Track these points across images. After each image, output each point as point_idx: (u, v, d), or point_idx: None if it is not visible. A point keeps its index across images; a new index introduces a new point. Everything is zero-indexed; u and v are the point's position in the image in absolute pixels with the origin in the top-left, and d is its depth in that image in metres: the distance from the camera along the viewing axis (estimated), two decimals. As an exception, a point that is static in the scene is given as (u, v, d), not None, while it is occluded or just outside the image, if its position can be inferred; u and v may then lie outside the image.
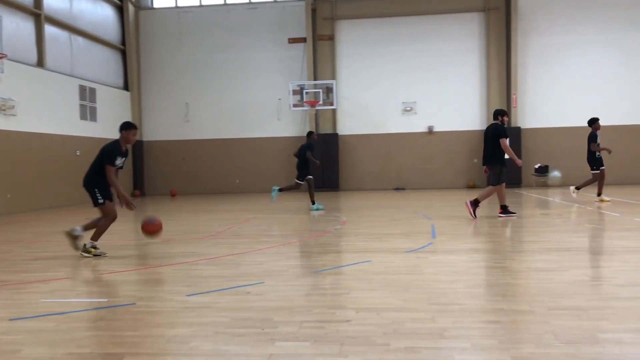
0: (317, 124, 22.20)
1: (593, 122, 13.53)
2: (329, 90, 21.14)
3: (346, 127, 22.24)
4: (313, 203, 13.57)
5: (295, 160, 13.69)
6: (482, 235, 8.79)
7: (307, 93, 21.04)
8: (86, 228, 7.43)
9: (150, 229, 7.30)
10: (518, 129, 20.99)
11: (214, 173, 22.87)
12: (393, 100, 22.07)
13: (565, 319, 4.02)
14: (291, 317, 4.23)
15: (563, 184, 20.08)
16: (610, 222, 9.89)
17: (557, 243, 7.67)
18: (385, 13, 22.01)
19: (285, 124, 22.50)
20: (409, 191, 20.76)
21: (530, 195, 17.07)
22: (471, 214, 10.67)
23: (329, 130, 22.17)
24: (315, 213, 12.85)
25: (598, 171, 13.47)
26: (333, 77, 21.93)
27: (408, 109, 21.97)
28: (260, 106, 22.55)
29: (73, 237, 7.31)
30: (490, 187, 10.78)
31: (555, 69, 21.15)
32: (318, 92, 21.06)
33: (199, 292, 5.13)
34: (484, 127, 21.51)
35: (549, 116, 21.13)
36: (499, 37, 21.36)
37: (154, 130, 23.15)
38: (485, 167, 10.76)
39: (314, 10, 22.04)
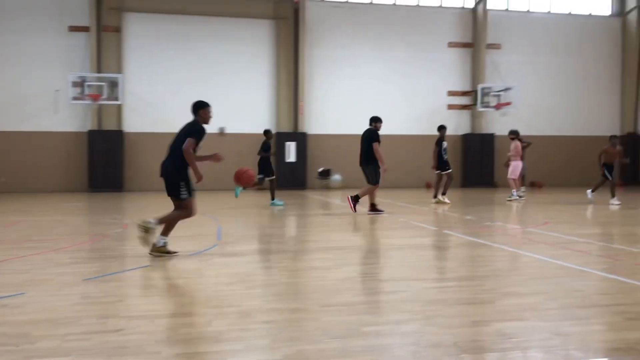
0: (99, 120, 20.83)
1: (440, 129, 14.90)
2: (114, 84, 19.96)
3: (133, 124, 21.23)
4: (273, 199, 14.31)
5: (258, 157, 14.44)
6: (266, 237, 9.00)
7: (89, 86, 19.63)
8: (161, 222, 6.72)
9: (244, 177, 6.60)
10: (304, 135, 22.01)
11: (-24, 170, 20.15)
12: (184, 99, 21.57)
13: (335, 315, 4.26)
14: (53, 331, 3.85)
15: (344, 187, 21.53)
16: (380, 221, 10.82)
17: (334, 242, 8.16)
18: (178, 10, 21.49)
19: (64, 117, 20.72)
20: (199, 192, 20.50)
21: (313, 197, 18.00)
22: (352, 208, 11.62)
23: (113, 127, 20.93)
24: (275, 208, 13.40)
25: (445, 172, 14.58)
26: (119, 70, 20.77)
27: (199, 109, 21.70)
28: (34, 97, 20.44)
29: (146, 230, 6.53)
30: (370, 186, 11.78)
31: (338, 80, 22.62)
32: (102, 86, 19.77)
33: (-60, 307, 4.42)
34: (274, 131, 22.18)
35: (331, 123, 22.52)
36: (287, 45, 22.18)
37: None
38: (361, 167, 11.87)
39: (99, -1, 20.67)
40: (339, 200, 16.40)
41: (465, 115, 23.62)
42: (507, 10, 23.90)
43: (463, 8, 23.56)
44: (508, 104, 22.08)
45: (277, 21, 22.16)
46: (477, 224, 10.30)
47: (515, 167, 15.72)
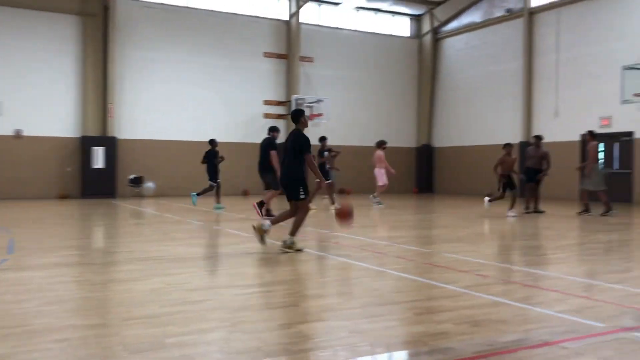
0: None
1: (322, 139, 15.70)
2: None
3: None
4: (218, 203, 15.06)
5: (205, 165, 15.28)
6: (69, 248, 8.34)
7: None
8: (273, 223, 7.78)
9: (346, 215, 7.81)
10: (114, 139, 20.87)
11: None
12: (-28, 98, 19.28)
13: (137, 328, 4.08)
14: None
15: (157, 195, 20.83)
16: (194, 230, 10.64)
17: (143, 252, 7.83)
18: (-37, -4, 19.11)
19: None
20: (-10, 201, 18.39)
21: (125, 205, 17.13)
22: (259, 214, 11.63)
23: None
24: (218, 212, 14.25)
25: (327, 182, 14.58)
26: None
27: (-9, 108, 19.50)
28: None
29: (263, 232, 7.56)
30: (272, 191, 12.32)
31: (152, 83, 21.82)
32: None
33: None
34: (80, 135, 20.70)
35: (145, 128, 21.65)
36: (96, 44, 20.87)
37: None
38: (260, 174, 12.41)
39: None
40: (151, 209, 15.84)
41: (280, 124, 24.20)
42: (318, 25, 25.08)
43: (278, 20, 24.22)
44: (320, 115, 23.13)
45: (85, 18, 20.77)
46: (287, 229, 10.59)
47: (382, 175, 16.94)
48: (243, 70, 23.42)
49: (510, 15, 23.05)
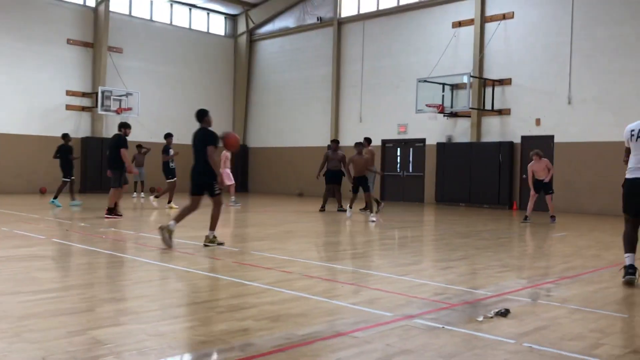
0: None
1: (167, 136, 15.29)
2: None
3: None
4: (73, 199, 15.02)
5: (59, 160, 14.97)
6: None
7: None
8: (177, 220, 7.93)
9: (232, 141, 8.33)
10: None
11: None
12: None
13: None
14: None
15: None
16: (-24, 232, 9.48)
17: None
18: None
19: None
20: None
21: None
22: (116, 216, 11.67)
23: None
24: (75, 209, 13.93)
25: (172, 180, 14.90)
26: None
27: None
28: None
29: (170, 232, 7.70)
30: (113, 189, 11.94)
31: None
32: None
33: None
34: None
35: None
36: None
37: None
38: (108, 171, 12.06)
39: None
40: None
41: (85, 117, 22.67)
42: (130, 15, 23.90)
43: (84, 5, 22.61)
44: (129, 109, 22.10)
45: None
46: (90, 231, 9.95)
47: (228, 175, 16.41)
48: (43, 56, 21.46)
49: (322, 23, 24.14)
